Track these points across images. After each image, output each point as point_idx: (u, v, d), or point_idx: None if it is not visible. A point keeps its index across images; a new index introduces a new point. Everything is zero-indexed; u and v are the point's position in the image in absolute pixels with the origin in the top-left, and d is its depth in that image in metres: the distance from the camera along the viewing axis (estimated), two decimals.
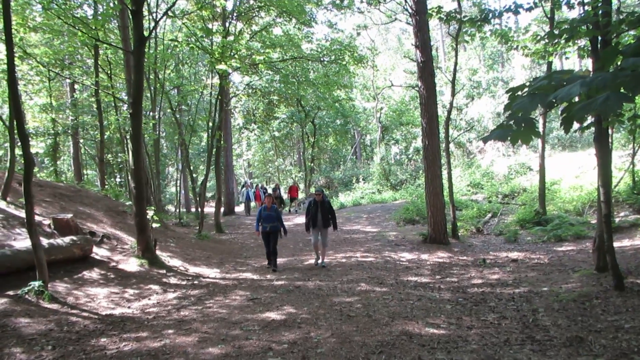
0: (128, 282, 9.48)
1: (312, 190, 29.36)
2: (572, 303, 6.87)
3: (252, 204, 27.65)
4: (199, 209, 19.55)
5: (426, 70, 13.82)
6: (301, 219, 21.51)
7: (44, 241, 8.82)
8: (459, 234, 15.20)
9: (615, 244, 8.14)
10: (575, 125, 3.86)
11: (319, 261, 11.48)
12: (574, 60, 31.10)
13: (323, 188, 30.00)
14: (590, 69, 7.40)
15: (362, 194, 30.05)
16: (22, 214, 9.83)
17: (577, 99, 3.62)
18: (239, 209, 30.29)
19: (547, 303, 7.07)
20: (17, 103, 8.33)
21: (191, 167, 24.65)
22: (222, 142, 20.87)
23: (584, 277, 8.39)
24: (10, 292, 7.43)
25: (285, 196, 29.43)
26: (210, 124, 19.59)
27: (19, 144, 9.14)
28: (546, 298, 7.37)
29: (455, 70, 16.03)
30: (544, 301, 7.20)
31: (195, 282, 10.07)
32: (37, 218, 9.45)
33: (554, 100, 3.22)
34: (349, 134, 40.96)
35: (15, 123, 8.97)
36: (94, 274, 9.48)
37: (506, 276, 9.43)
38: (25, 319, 6.67)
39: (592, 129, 7.68)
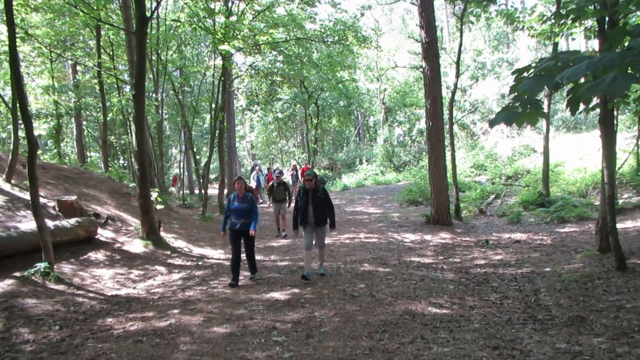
0: (133, 263, 9.56)
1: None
2: (574, 283, 6.91)
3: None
4: (203, 191, 19.58)
5: (430, 51, 13.71)
6: None
7: (49, 223, 8.87)
8: (462, 215, 15.22)
9: (618, 225, 8.16)
10: (581, 107, 3.84)
11: (316, 267, 8.71)
12: (580, 41, 30.72)
13: (317, 172, 24.96)
14: (597, 49, 7.31)
15: (365, 175, 30.01)
16: (26, 196, 9.88)
17: (582, 80, 3.60)
18: None
19: (549, 283, 7.11)
20: (20, 85, 8.32)
21: (194, 149, 24.68)
22: (225, 123, 20.86)
23: (587, 258, 8.42)
24: (17, 274, 7.51)
25: (296, 181, 25.15)
26: (213, 106, 19.53)
27: (22, 126, 9.13)
28: (548, 278, 7.41)
29: (459, 51, 15.90)
30: (546, 281, 7.24)
31: (200, 263, 10.15)
32: (41, 200, 9.50)
33: (561, 81, 3.20)
34: (353, 115, 40.70)
35: (18, 105, 8.98)
36: (100, 255, 9.56)
37: (509, 257, 9.47)
38: (32, 300, 6.75)
39: (597, 110, 7.64)
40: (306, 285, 7.77)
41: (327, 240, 11.34)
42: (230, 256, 8.29)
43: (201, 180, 22.63)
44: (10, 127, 14.41)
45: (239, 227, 8.04)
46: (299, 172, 26.28)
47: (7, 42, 8.43)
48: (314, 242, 8.26)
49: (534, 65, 3.90)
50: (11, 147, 11.77)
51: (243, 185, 8.17)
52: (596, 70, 3.08)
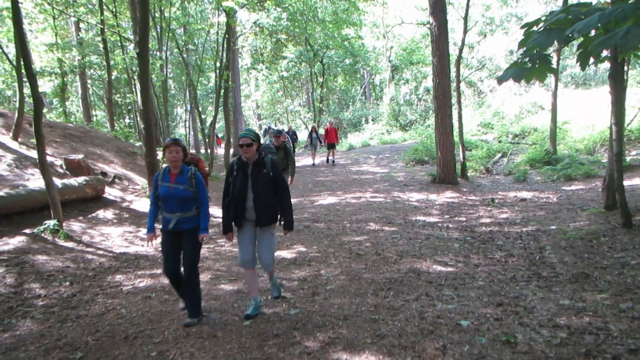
0: (141, 221, 9.65)
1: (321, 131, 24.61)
2: (579, 241, 6.93)
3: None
4: (209, 150, 19.57)
5: (438, 6, 13.42)
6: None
7: (57, 181, 8.93)
8: (468, 174, 15.20)
9: (625, 183, 8.12)
10: (590, 61, 3.76)
11: (265, 283, 5.71)
12: None
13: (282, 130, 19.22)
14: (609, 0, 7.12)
15: (371, 134, 29.90)
16: (33, 154, 9.92)
17: (593, 32, 3.52)
18: None
19: (554, 241, 7.13)
20: (24, 42, 8.24)
21: (200, 108, 24.49)
22: (230, 82, 20.63)
23: (593, 215, 8.42)
24: (27, 231, 7.61)
25: (317, 146, 21.64)
26: (218, 64, 19.32)
27: (27, 83, 9.08)
28: (554, 236, 7.44)
29: (467, 6, 15.57)
30: (551, 239, 7.27)
31: None
32: (48, 159, 9.53)
33: (571, 35, 3.12)
34: (358, 73, 40.24)
35: (22, 62, 8.90)
36: (108, 213, 9.65)
37: (514, 215, 9.48)
38: (42, 256, 6.85)
39: (607, 65, 7.49)
40: (312, 244, 7.84)
41: (330, 200, 11.23)
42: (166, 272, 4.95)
43: (207, 140, 22.60)
44: (16, 84, 14.33)
45: (173, 227, 4.78)
46: (321, 133, 23.21)
47: None
48: (255, 256, 4.97)
49: (543, 18, 3.80)
50: (17, 105, 11.74)
51: (180, 152, 4.83)
52: (608, 23, 3.00)
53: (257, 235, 4.92)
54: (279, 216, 4.96)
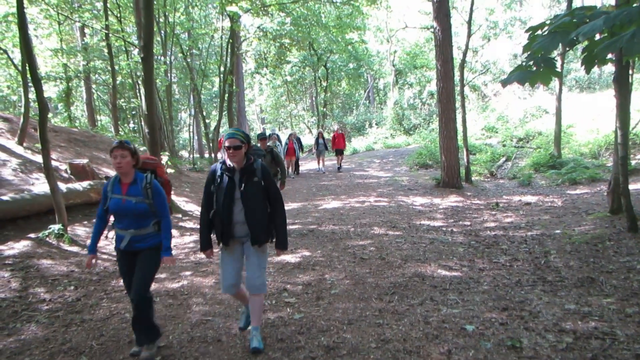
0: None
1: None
2: (584, 245, 6.90)
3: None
4: (213, 155, 19.61)
5: (441, 10, 13.43)
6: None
7: (62, 186, 8.96)
8: (473, 178, 15.17)
9: (631, 187, 8.08)
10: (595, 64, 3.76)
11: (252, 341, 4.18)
12: None
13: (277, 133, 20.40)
14: (613, 2, 7.10)
15: (375, 138, 29.91)
16: (39, 158, 9.95)
17: (597, 37, 3.51)
18: None
19: (559, 245, 7.11)
20: (29, 47, 8.29)
21: (204, 113, 24.59)
22: (234, 86, 20.71)
23: (598, 219, 8.39)
24: (32, 235, 7.63)
25: (323, 151, 20.39)
26: (222, 69, 19.40)
27: (32, 88, 9.12)
28: (559, 240, 7.41)
29: (471, 10, 15.57)
30: (556, 243, 7.24)
31: None
32: (53, 163, 9.57)
33: (576, 38, 3.12)
34: (362, 78, 40.31)
35: (27, 67, 8.95)
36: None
37: (519, 219, 9.45)
38: (47, 261, 6.87)
39: (612, 69, 7.48)
40: (316, 248, 7.82)
41: (334, 204, 11.23)
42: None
43: (211, 144, 22.65)
44: (21, 90, 14.41)
45: (126, 246, 4.09)
46: (328, 137, 22.34)
47: (15, 4, 8.33)
48: (241, 279, 4.33)
49: (548, 22, 3.80)
50: (22, 109, 11.79)
51: (127, 157, 3.99)
52: (613, 26, 2.99)
53: (246, 255, 4.24)
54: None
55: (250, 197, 4.05)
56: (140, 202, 3.99)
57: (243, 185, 4.03)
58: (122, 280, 4.30)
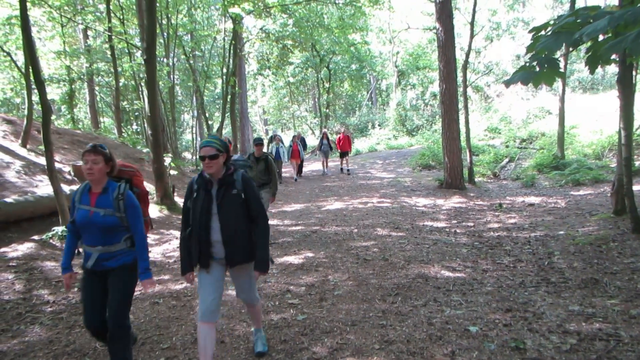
0: (148, 227, 9.65)
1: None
2: (588, 246, 6.88)
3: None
4: None
5: (444, 11, 13.43)
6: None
7: (65, 188, 8.98)
8: (476, 179, 15.16)
9: (635, 188, 8.07)
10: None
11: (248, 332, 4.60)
12: None
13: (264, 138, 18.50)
14: (617, 2, 7.07)
15: (377, 140, 29.92)
16: (42, 161, 9.97)
17: (601, 37, 3.50)
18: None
19: (563, 246, 7.09)
20: (32, 49, 8.30)
21: (206, 114, 24.61)
22: (236, 88, 20.72)
23: (602, 220, 8.37)
24: (36, 237, 7.65)
25: (328, 153, 19.88)
26: (225, 70, 19.43)
27: (36, 90, 9.15)
28: (562, 241, 7.39)
29: (474, 11, 15.56)
30: (560, 244, 7.23)
31: None
32: (57, 165, 9.59)
33: (580, 38, 3.11)
34: (365, 79, 40.32)
35: (31, 70, 8.97)
36: None
37: (522, 220, 9.43)
38: (51, 262, 6.88)
39: (615, 70, 7.47)
40: (319, 249, 7.83)
41: (337, 205, 11.22)
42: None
43: None
44: (25, 92, 14.46)
45: (93, 264, 3.58)
46: (334, 139, 21.55)
47: (18, 7, 8.36)
48: (220, 307, 3.78)
49: (552, 22, 3.79)
50: (25, 112, 11.83)
51: (100, 163, 3.54)
52: (618, 26, 2.98)
53: (232, 277, 3.92)
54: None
55: (228, 211, 3.63)
56: (110, 215, 3.48)
57: (220, 198, 3.64)
58: (83, 306, 3.66)
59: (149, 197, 9.12)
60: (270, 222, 9.48)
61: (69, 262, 3.72)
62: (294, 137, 19.11)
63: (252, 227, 3.76)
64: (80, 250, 3.74)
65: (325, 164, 19.75)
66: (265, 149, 11.46)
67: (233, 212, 3.63)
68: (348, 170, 19.46)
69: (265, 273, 3.80)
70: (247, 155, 8.64)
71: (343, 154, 19.36)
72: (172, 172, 12.07)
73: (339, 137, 19.31)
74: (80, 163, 10.65)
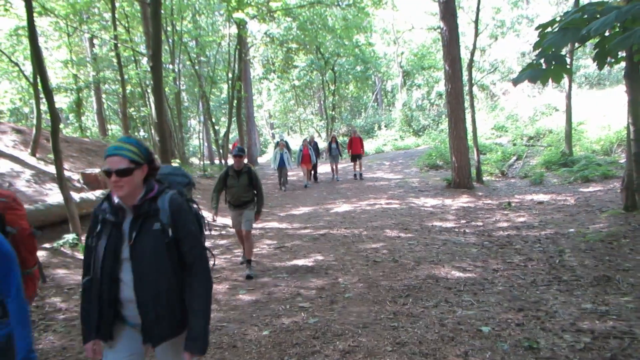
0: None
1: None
2: (599, 243, 6.84)
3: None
4: (223, 161, 19.67)
5: (448, 10, 13.42)
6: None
7: (75, 195, 9.02)
8: (484, 178, 15.11)
9: None
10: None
11: None
12: None
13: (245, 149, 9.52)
14: None
15: (384, 141, 29.90)
16: (51, 169, 10.03)
17: (607, 33, 3.48)
18: (262, 159, 30.15)
19: (573, 244, 7.05)
20: (40, 59, 8.36)
21: (213, 119, 24.67)
22: (242, 92, 20.77)
23: (612, 217, 8.31)
24: (47, 245, 7.68)
25: (336, 157, 18.43)
26: (230, 75, 19.48)
27: (44, 100, 9.22)
28: (573, 239, 7.35)
29: (478, 9, 15.52)
30: (570, 242, 7.18)
31: (223, 232, 10.28)
32: (66, 173, 9.63)
33: (588, 34, 3.09)
34: (370, 80, 40.26)
35: (39, 79, 9.03)
36: None
37: (532, 218, 9.39)
38: (62, 270, 6.92)
39: (623, 64, 7.43)
40: (329, 252, 7.83)
41: (345, 208, 11.31)
42: None
43: (221, 151, 22.75)
44: (33, 101, 14.57)
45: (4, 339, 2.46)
46: (342, 142, 20.94)
47: (25, 17, 8.43)
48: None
49: (558, 19, 3.77)
50: (34, 121, 11.91)
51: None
52: (626, 21, 2.96)
53: (156, 354, 2.50)
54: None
55: (144, 256, 2.33)
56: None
57: (134, 235, 2.34)
58: None
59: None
60: (279, 225, 9.48)
61: None
62: (304, 140, 18.08)
63: (186, 281, 2.41)
64: None
65: (334, 169, 18.57)
66: (270, 156, 10.50)
67: (153, 258, 2.33)
68: (361, 175, 18.19)
69: (201, 355, 2.39)
70: (226, 168, 7.38)
71: (355, 157, 17.95)
72: None
73: (350, 139, 18.19)
74: (89, 170, 10.75)
